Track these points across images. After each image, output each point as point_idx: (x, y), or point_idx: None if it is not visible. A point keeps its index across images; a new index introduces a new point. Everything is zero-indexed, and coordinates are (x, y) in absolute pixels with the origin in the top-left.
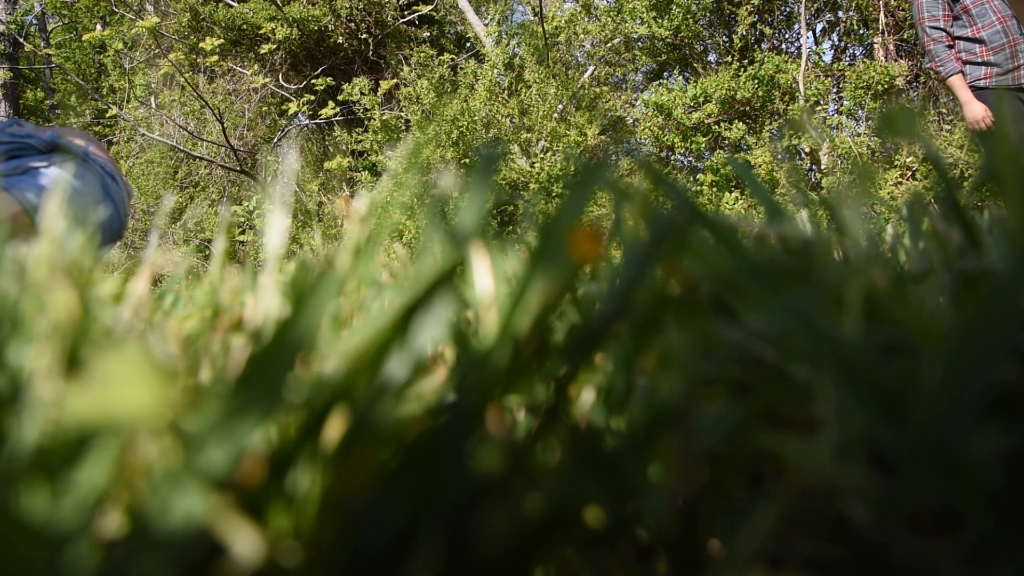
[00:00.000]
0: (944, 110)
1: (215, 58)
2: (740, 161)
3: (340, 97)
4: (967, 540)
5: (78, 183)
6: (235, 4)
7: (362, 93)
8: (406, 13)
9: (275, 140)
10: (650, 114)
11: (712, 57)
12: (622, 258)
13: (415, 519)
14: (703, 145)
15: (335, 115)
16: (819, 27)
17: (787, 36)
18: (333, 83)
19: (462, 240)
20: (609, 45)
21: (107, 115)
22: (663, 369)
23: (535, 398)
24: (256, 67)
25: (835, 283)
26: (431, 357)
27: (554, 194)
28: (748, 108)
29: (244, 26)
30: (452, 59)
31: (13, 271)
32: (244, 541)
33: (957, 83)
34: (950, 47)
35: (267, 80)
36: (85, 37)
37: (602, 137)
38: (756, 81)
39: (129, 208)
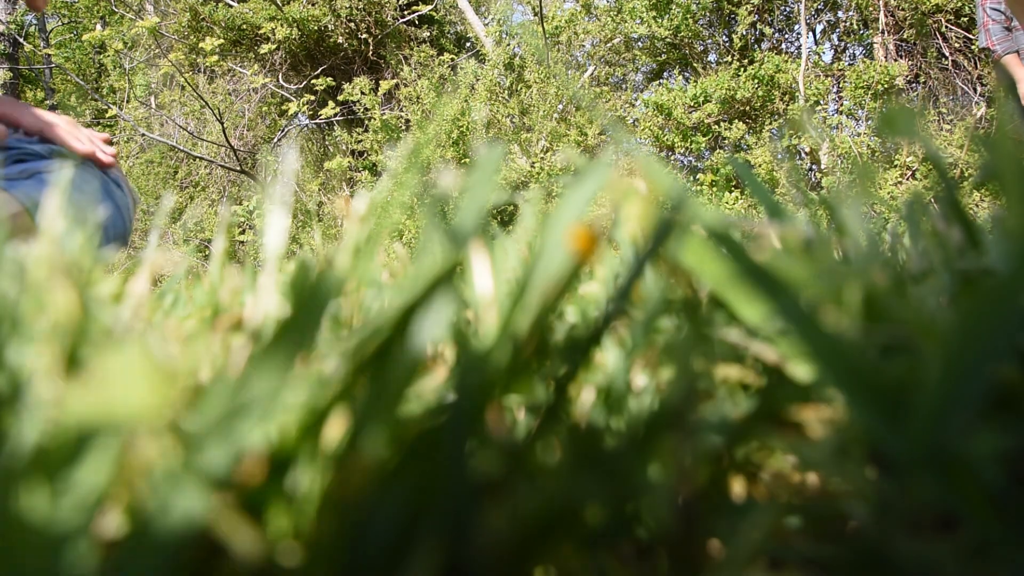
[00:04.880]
0: (944, 110)
1: (215, 58)
2: (740, 161)
3: (340, 97)
4: (967, 540)
5: (79, 185)
6: (235, 4)
7: (362, 93)
8: (406, 13)
9: (275, 140)
10: (650, 114)
11: (712, 57)
12: (622, 258)
13: (415, 519)
14: (703, 145)
15: (335, 115)
16: (819, 27)
17: (787, 36)
18: (333, 83)
19: (462, 240)
20: (609, 45)
21: (107, 115)
22: (663, 369)
23: (535, 398)
24: (256, 67)
25: (835, 283)
26: (431, 357)
27: (554, 194)
28: (748, 108)
29: (244, 26)
30: (452, 59)
31: (13, 271)
32: (244, 541)
33: (1013, 61)
34: (1007, 29)
35: (267, 80)
36: (85, 37)
37: (602, 137)
38: (756, 81)
39: (134, 215)
